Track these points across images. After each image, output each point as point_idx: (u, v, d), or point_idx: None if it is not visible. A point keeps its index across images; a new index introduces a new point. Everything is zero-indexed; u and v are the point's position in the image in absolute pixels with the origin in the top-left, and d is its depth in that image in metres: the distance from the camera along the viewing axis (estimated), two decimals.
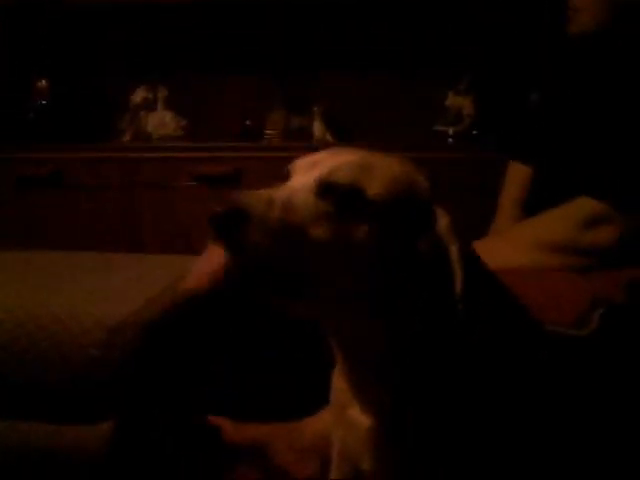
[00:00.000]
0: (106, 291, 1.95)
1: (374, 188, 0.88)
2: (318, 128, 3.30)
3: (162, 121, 3.39)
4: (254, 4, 3.28)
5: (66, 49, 3.59)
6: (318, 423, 1.34)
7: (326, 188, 0.87)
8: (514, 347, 1.01)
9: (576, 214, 1.41)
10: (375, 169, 0.90)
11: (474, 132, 3.24)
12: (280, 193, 0.86)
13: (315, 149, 0.99)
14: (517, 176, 1.78)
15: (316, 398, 1.23)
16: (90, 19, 3.52)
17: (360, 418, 1.00)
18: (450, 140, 3.22)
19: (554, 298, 1.19)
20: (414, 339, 0.93)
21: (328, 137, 3.30)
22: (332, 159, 0.92)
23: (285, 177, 0.95)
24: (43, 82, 3.41)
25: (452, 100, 3.27)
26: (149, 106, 3.42)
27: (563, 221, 1.41)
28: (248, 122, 3.31)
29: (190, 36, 3.53)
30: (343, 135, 3.33)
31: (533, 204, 1.63)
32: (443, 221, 0.90)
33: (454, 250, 0.88)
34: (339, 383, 1.07)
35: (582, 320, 1.17)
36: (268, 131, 3.28)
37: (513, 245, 1.42)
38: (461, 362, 0.94)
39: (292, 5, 3.23)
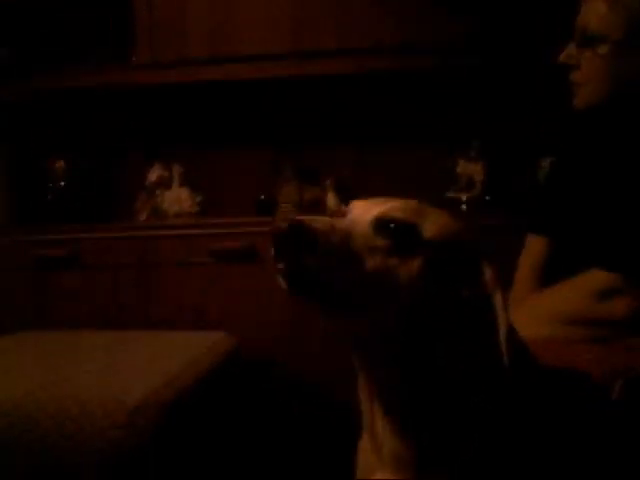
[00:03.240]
0: (125, 370, 1.95)
1: (428, 229, 0.95)
2: (331, 199, 3.33)
3: (178, 198, 3.44)
4: (265, 81, 3.34)
5: (81, 129, 3.68)
6: None
7: (383, 224, 0.94)
8: (556, 399, 1.02)
9: (590, 286, 1.41)
10: (430, 214, 0.99)
11: (487, 198, 3.26)
12: (340, 223, 0.93)
13: None
14: (534, 247, 1.78)
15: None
16: (104, 100, 3.61)
17: None
18: (463, 206, 3.23)
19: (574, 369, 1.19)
20: (450, 383, 0.95)
21: (342, 208, 3.30)
22: (391, 201, 1.00)
23: (342, 215, 1.01)
24: (60, 163, 3.48)
25: (463, 167, 3.29)
26: (165, 184, 3.47)
27: (577, 293, 1.42)
28: (262, 196, 3.35)
29: (203, 113, 3.61)
30: None
31: (551, 274, 1.63)
32: (488, 271, 0.96)
33: (499, 297, 0.93)
34: (364, 445, 1.06)
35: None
36: (282, 204, 3.31)
37: (531, 317, 1.43)
38: (503, 409, 0.94)
39: (302, 80, 3.29)
